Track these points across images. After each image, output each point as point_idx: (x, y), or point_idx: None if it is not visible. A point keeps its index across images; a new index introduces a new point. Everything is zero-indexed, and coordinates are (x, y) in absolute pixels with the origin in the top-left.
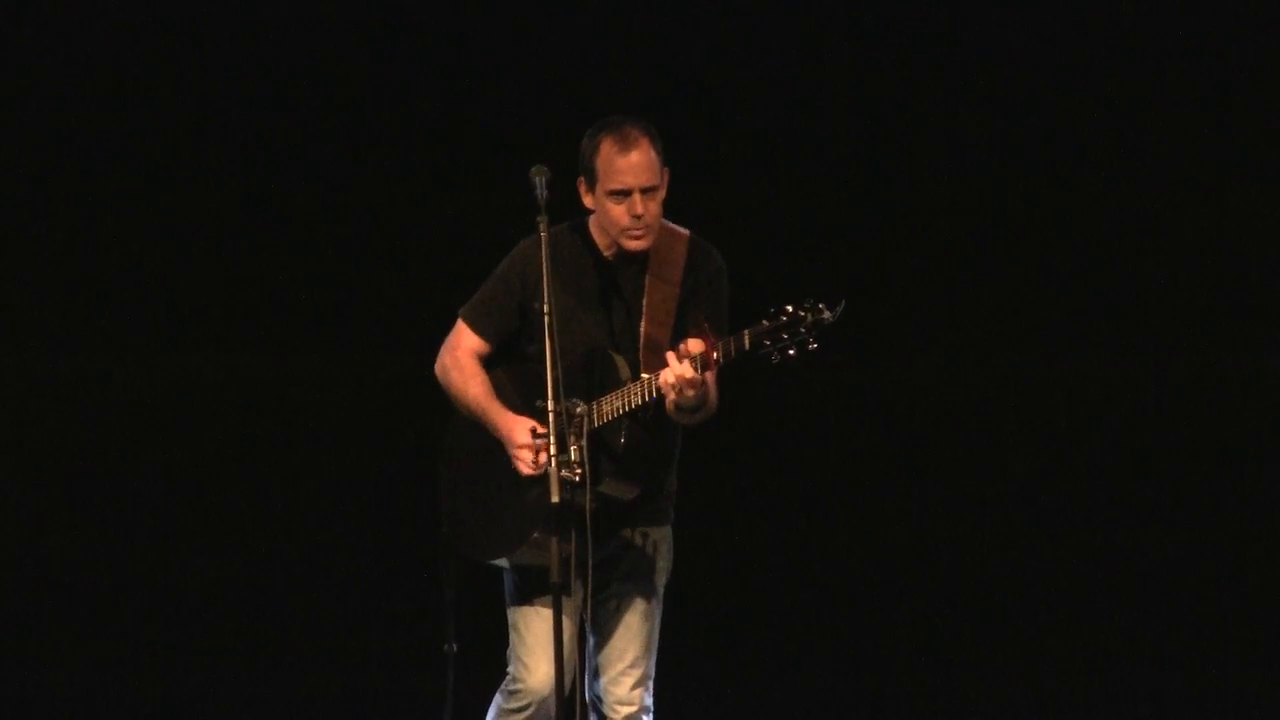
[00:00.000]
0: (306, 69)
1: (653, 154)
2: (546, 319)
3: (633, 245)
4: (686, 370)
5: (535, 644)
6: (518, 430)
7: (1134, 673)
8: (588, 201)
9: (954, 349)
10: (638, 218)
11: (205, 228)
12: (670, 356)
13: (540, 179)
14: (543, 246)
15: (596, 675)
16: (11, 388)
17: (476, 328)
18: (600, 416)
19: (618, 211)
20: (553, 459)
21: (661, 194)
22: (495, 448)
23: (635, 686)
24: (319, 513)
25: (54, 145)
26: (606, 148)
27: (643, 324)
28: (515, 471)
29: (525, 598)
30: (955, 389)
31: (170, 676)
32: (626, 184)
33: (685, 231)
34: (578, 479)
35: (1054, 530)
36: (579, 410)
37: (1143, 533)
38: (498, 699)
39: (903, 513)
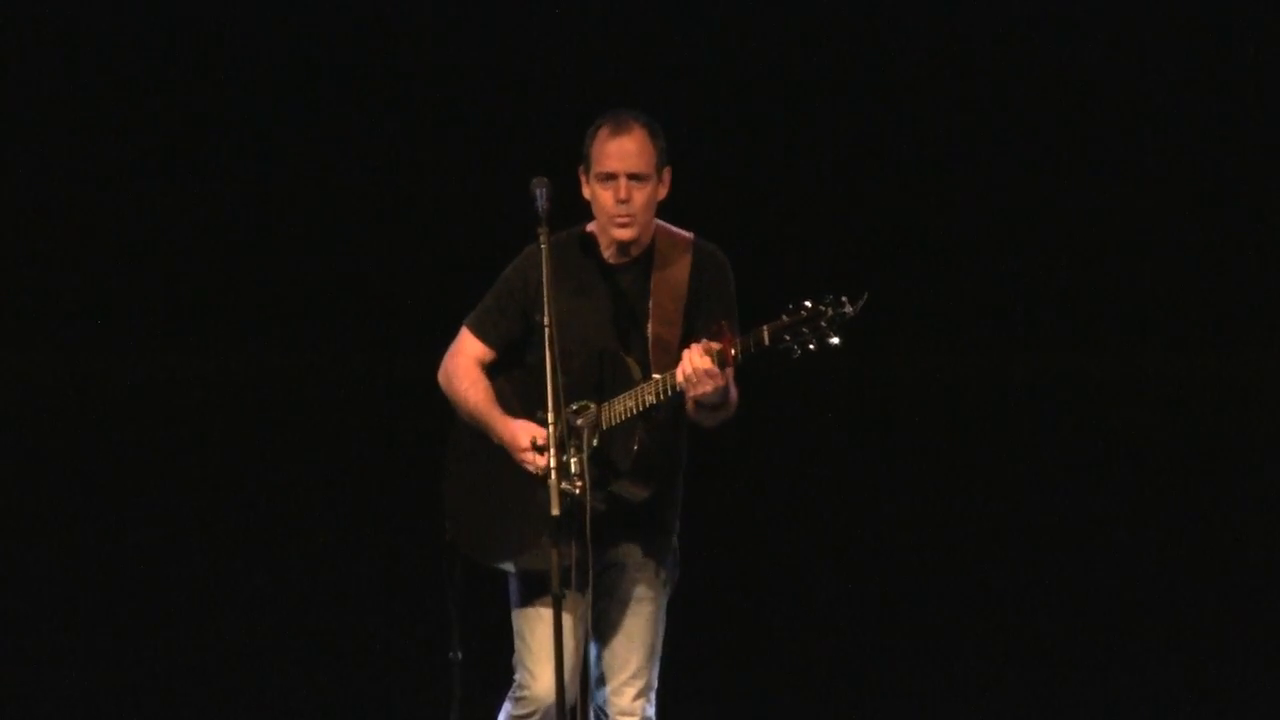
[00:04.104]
0: (309, 68)
1: (647, 143)
2: (547, 330)
3: (619, 234)
4: (705, 363)
5: (540, 651)
6: (521, 435)
7: (1134, 673)
8: (586, 192)
9: (953, 349)
10: (622, 203)
11: (205, 228)
12: (688, 351)
13: (541, 190)
14: (544, 258)
15: (600, 683)
16: (11, 387)
17: (480, 334)
18: (613, 416)
19: (605, 196)
20: (552, 471)
21: (655, 188)
22: (501, 451)
23: (637, 697)
24: (322, 516)
25: (52, 144)
26: (602, 133)
27: (650, 325)
28: (521, 475)
29: (530, 604)
30: (955, 389)
31: (171, 679)
32: (613, 168)
33: (688, 235)
34: (578, 491)
35: (1055, 531)
36: (579, 421)
37: (1143, 533)
38: (507, 705)
39: (905, 515)
